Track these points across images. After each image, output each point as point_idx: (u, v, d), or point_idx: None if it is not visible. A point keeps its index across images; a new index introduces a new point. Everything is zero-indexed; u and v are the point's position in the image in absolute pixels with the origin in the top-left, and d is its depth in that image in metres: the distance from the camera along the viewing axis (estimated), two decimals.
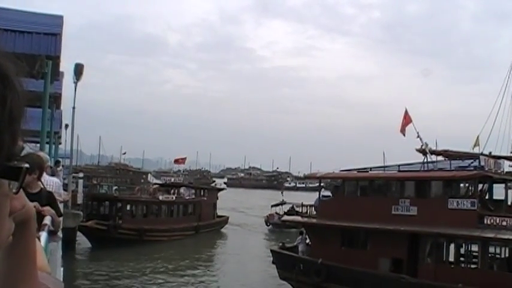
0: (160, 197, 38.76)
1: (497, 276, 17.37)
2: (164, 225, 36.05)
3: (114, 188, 49.71)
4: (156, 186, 48.79)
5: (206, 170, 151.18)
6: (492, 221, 17.86)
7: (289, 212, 42.37)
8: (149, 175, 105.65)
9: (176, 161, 69.00)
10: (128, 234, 32.76)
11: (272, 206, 48.16)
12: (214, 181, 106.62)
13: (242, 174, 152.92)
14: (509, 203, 21.63)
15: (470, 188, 19.36)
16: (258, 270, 27.27)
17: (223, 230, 44.57)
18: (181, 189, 43.77)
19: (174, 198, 40.35)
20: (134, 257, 28.74)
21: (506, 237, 17.03)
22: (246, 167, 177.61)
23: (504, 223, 17.61)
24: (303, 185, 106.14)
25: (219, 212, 46.25)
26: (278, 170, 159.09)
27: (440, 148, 22.27)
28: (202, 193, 44.81)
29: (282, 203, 47.61)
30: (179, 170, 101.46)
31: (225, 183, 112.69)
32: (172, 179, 55.93)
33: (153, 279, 24.46)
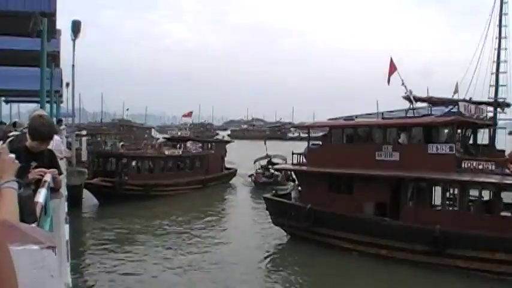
0: (166, 152, 38.90)
1: (474, 218, 18.19)
2: (170, 179, 36.32)
3: (121, 144, 50.04)
4: (163, 141, 48.88)
5: (209, 123, 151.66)
6: (469, 165, 18.56)
7: (267, 166, 42.42)
8: (153, 130, 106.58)
9: (184, 116, 69.46)
10: (134, 190, 33.06)
11: (255, 161, 44.86)
12: (217, 133, 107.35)
13: (245, 126, 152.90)
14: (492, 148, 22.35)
15: (449, 133, 19.98)
16: (259, 219, 27.85)
17: (231, 182, 44.71)
18: (188, 143, 43.96)
19: (180, 152, 40.51)
20: (141, 212, 29.28)
21: (481, 180, 17.78)
22: (249, 118, 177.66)
23: (480, 167, 18.33)
24: (306, 135, 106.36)
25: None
26: (281, 120, 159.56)
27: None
28: (209, 146, 44.99)
29: (266, 157, 44.79)
30: (182, 124, 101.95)
31: (228, 135, 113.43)
32: (179, 133, 56.02)
33: (158, 233, 24.99)
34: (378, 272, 18.39)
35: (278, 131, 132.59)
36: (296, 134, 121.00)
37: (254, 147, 60.35)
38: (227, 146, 48.48)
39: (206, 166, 41.18)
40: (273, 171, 39.68)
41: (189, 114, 70.42)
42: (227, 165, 46.90)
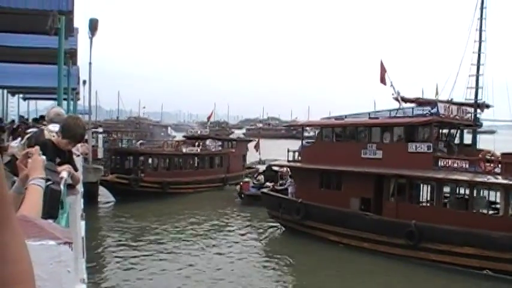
0: (184, 150, 38.87)
1: (449, 213, 19.27)
2: (189, 177, 36.31)
3: (139, 142, 50.74)
4: (182, 139, 48.53)
5: (225, 122, 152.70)
6: (445, 163, 19.64)
7: (265, 173, 36.33)
8: (169, 128, 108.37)
9: (208, 118, 71.00)
10: (150, 187, 33.28)
11: (247, 167, 41.17)
12: (233, 132, 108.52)
13: (261, 125, 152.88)
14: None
15: (427, 132, 21.05)
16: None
17: None
18: (207, 142, 44.03)
19: (198, 150, 40.42)
20: (157, 210, 29.51)
21: (454, 177, 18.87)
22: (265, 117, 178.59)
23: (455, 165, 19.39)
24: None
25: None
26: (297, 119, 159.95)
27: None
28: (230, 145, 44.82)
29: (259, 162, 40.14)
30: (201, 122, 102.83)
31: (243, 134, 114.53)
32: (199, 131, 56.38)
33: (173, 231, 25.22)
34: (359, 264, 19.47)
35: (293, 130, 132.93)
36: (312, 133, 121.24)
37: (269, 145, 58.45)
38: (248, 145, 47.42)
39: (227, 165, 40.92)
40: (262, 180, 35.17)
41: (210, 115, 72.30)
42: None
